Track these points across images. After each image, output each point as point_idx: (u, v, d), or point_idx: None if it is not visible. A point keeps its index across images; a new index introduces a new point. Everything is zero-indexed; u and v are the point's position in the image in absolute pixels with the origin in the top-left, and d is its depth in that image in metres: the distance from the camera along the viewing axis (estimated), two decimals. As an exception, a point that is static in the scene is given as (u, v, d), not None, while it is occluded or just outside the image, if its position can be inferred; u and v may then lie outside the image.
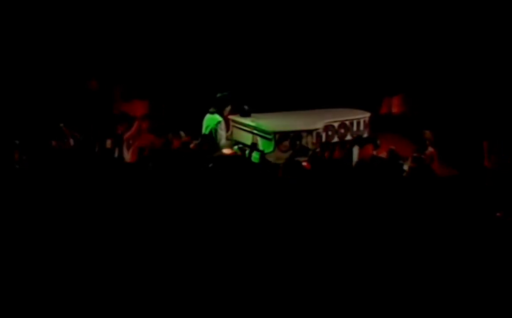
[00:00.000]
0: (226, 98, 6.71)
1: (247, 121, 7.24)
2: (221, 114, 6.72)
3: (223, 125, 6.72)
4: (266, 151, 6.71)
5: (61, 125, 7.30)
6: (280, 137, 6.64)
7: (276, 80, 10.60)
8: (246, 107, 7.49)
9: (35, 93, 8.91)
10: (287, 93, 10.18)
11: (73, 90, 9.13)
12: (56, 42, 9.36)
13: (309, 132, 6.84)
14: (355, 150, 7.84)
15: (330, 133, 7.26)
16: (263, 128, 6.87)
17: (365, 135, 7.74)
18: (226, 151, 6.85)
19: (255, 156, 6.48)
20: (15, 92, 8.82)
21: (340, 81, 10.58)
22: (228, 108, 6.81)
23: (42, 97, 8.85)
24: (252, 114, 7.48)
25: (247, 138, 7.17)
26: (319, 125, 7.02)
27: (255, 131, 7.01)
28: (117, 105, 9.77)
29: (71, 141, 7.21)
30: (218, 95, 6.72)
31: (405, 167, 6.64)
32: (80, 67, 9.44)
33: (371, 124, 7.80)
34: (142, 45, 10.10)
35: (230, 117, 7.54)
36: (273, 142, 6.69)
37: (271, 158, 6.56)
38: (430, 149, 7.24)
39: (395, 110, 10.63)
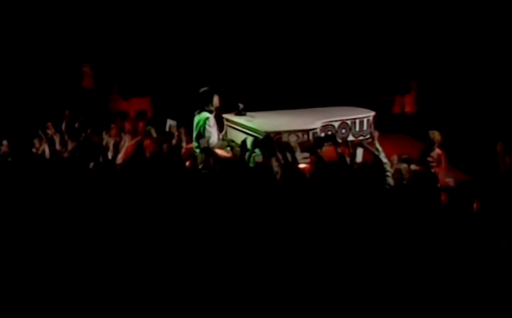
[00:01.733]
0: (208, 92, 6.24)
1: (240, 120, 6.81)
2: (209, 111, 6.26)
3: (211, 121, 6.24)
4: (257, 152, 6.24)
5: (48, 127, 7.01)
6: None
7: (280, 78, 10.23)
8: (240, 105, 7.06)
9: (25, 93, 8.67)
10: (292, 91, 9.80)
11: (66, 88, 8.88)
12: (49, 39, 9.12)
13: (305, 132, 6.34)
14: (359, 152, 7.37)
15: (330, 133, 6.78)
16: (255, 127, 6.42)
17: (369, 136, 7.24)
18: (219, 151, 6.42)
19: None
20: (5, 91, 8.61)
21: (350, 79, 10.19)
22: (216, 101, 6.31)
23: (32, 97, 8.61)
24: (248, 113, 7.06)
25: (240, 138, 6.73)
26: (316, 124, 6.53)
27: (247, 131, 6.56)
28: (114, 103, 9.49)
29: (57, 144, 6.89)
30: (200, 91, 6.28)
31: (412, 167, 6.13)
32: (75, 64, 9.19)
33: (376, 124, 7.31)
34: (138, 43, 9.84)
35: (225, 115, 7.13)
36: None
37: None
38: (438, 150, 6.68)
39: (408, 109, 10.13)
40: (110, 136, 7.77)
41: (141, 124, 8.35)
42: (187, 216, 4.54)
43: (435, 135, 6.75)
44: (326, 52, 10.37)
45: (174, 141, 6.58)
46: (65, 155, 6.38)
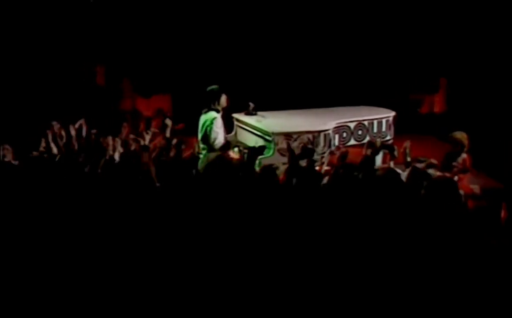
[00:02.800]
0: (215, 91, 5.88)
1: (249, 120, 6.45)
2: (216, 110, 5.91)
3: (219, 122, 5.88)
4: (265, 154, 5.88)
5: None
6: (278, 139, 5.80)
7: (307, 76, 9.85)
8: (251, 104, 6.69)
9: (36, 91, 8.55)
10: (316, 90, 9.41)
11: (76, 83, 8.71)
12: (63, 38, 8.98)
13: (316, 133, 5.93)
14: (379, 158, 6.91)
15: (345, 135, 6.35)
16: (263, 128, 6.04)
17: (388, 137, 6.77)
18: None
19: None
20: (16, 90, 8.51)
21: (376, 78, 9.73)
22: (223, 101, 5.97)
23: (44, 95, 8.48)
24: (259, 112, 6.69)
25: (249, 139, 6.39)
26: (329, 125, 6.09)
27: (256, 131, 6.20)
28: (131, 101, 9.28)
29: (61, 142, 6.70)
30: (207, 89, 5.93)
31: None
32: (88, 62, 9.03)
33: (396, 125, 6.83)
34: (158, 40, 9.62)
35: (234, 115, 6.79)
36: (272, 144, 5.85)
37: (272, 163, 5.72)
38: (464, 155, 6.12)
39: (437, 109, 9.56)
40: (122, 135, 7.58)
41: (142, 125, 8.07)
42: (189, 219, 4.27)
43: (463, 138, 6.17)
44: (351, 49, 9.90)
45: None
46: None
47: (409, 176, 4.39)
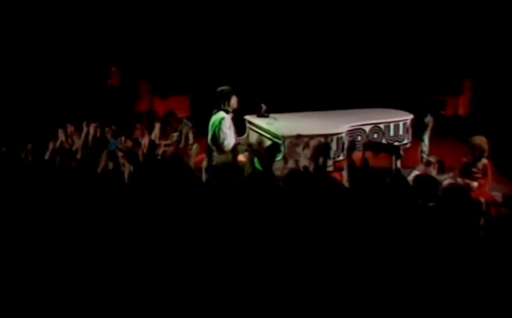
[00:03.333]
0: (226, 91, 5.75)
1: (260, 122, 6.30)
2: (226, 111, 5.77)
3: (227, 122, 5.71)
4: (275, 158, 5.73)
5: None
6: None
7: (327, 78, 9.65)
8: (263, 106, 6.53)
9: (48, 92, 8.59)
10: (335, 92, 9.19)
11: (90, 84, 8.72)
12: (78, 38, 9.01)
13: (328, 136, 5.74)
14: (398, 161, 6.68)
15: (359, 138, 6.14)
16: (273, 130, 5.89)
17: (406, 141, 6.52)
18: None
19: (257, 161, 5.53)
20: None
21: (398, 79, 9.46)
22: (233, 102, 5.82)
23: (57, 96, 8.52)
24: (271, 114, 6.53)
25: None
26: (342, 128, 5.90)
27: (266, 134, 6.05)
28: (143, 102, 9.24)
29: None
30: (218, 89, 5.80)
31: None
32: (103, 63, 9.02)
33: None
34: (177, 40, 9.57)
35: (246, 117, 6.65)
36: (282, 148, 5.69)
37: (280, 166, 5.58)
38: (484, 160, 5.82)
39: (461, 111, 9.21)
40: (135, 136, 7.53)
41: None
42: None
43: (483, 142, 5.88)
44: (372, 49, 9.64)
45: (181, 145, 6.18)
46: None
47: (413, 183, 4.17)
